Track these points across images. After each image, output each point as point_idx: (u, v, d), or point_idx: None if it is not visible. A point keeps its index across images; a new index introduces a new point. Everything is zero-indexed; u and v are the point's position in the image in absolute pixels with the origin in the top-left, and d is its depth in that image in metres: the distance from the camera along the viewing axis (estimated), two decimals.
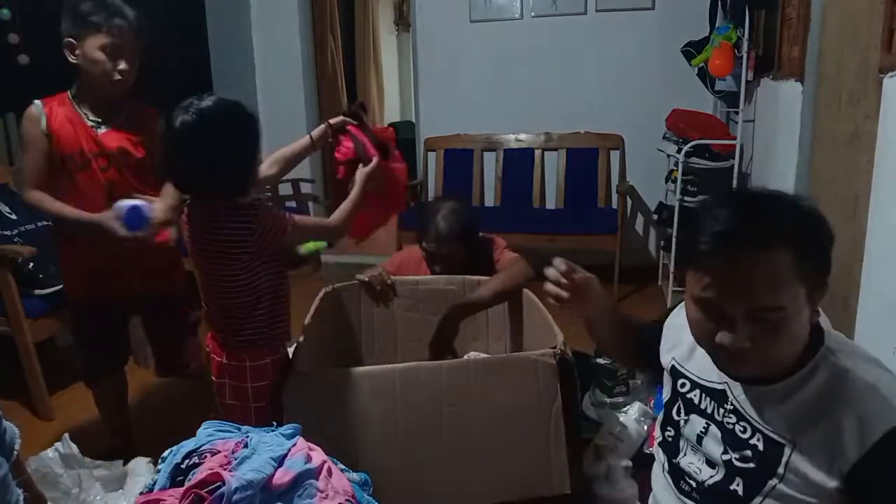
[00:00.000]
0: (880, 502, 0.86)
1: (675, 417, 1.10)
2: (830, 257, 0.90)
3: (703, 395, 1.05)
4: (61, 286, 2.44)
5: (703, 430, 1.04)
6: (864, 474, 0.85)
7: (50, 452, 1.82)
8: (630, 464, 1.63)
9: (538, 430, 1.41)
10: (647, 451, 1.79)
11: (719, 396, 1.02)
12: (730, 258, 0.86)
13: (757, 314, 0.86)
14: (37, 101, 1.76)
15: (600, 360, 2.13)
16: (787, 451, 0.92)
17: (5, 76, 2.86)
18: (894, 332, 1.50)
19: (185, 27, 4.03)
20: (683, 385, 1.09)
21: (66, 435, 1.88)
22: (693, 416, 1.06)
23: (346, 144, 1.69)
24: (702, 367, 1.06)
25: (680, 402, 1.10)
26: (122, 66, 1.72)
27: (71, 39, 1.70)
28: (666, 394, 1.15)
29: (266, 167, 1.64)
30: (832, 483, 0.87)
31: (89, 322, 1.95)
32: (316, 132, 1.71)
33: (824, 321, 0.97)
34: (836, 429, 0.87)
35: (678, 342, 1.12)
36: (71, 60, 1.73)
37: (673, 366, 1.12)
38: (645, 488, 1.54)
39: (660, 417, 1.17)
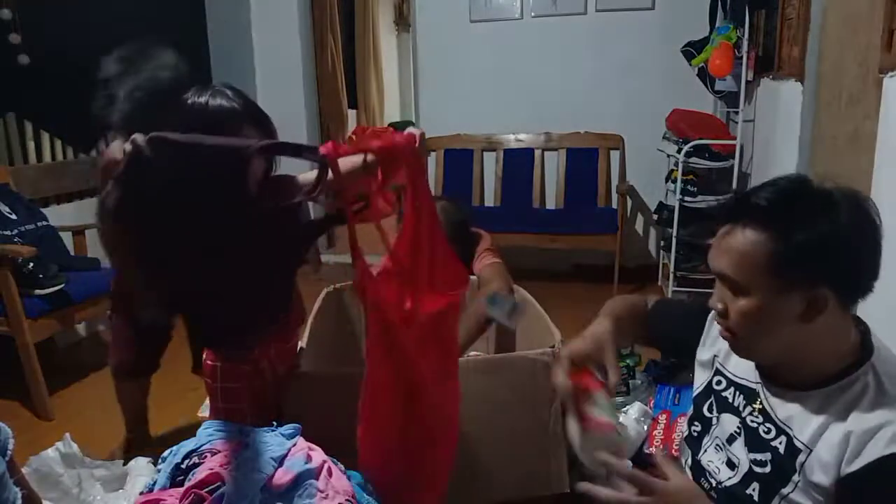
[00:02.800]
0: None
1: (707, 414, 1.10)
2: (848, 271, 0.91)
3: (737, 393, 1.05)
4: (61, 286, 2.46)
5: (738, 430, 1.03)
6: (851, 489, 0.85)
7: (51, 452, 1.82)
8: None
9: (537, 430, 1.41)
10: (646, 451, 1.79)
11: (750, 395, 1.02)
12: (724, 226, 0.94)
13: (724, 279, 0.93)
14: None
15: None
16: (802, 457, 0.91)
17: (5, 76, 2.86)
18: (894, 332, 1.50)
19: (185, 27, 4.04)
20: (719, 383, 1.09)
21: (68, 434, 1.88)
22: (725, 416, 1.06)
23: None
24: (739, 366, 1.06)
25: (713, 399, 1.10)
26: None
27: None
28: (698, 388, 1.15)
29: None
30: (830, 482, 0.87)
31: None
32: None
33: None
34: (846, 438, 0.87)
35: (719, 340, 1.09)
36: None
37: (716, 365, 1.12)
38: None
39: (689, 413, 1.16)
